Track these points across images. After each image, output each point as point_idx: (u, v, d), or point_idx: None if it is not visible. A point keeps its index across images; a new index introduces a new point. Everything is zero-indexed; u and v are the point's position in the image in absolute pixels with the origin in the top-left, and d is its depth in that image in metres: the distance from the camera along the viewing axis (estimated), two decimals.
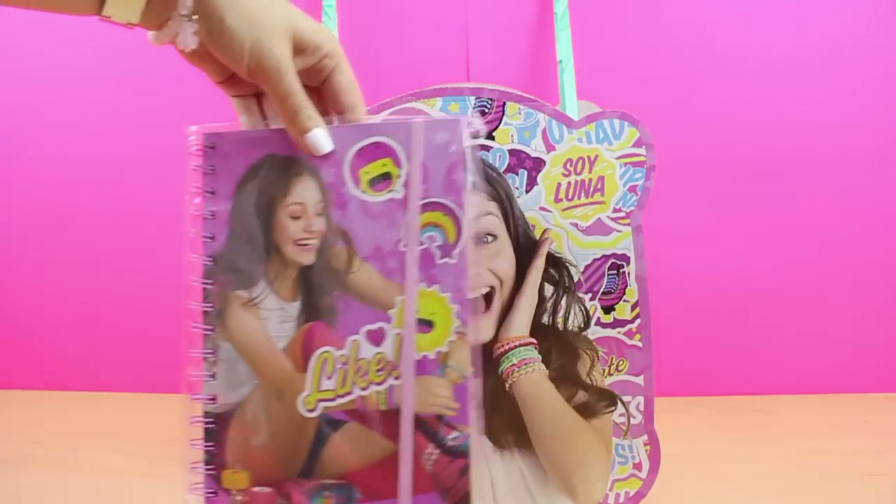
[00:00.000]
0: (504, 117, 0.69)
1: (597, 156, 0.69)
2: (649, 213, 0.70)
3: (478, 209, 0.55)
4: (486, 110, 0.69)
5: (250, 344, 0.52)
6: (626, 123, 0.69)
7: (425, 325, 0.50)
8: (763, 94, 0.97)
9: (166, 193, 0.97)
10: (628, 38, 0.96)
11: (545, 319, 0.58)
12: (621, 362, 0.70)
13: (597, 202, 0.69)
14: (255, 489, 0.52)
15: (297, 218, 0.52)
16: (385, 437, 0.51)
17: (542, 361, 0.53)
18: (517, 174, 0.69)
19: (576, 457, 0.49)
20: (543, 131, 0.69)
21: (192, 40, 0.45)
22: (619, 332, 0.70)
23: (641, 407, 0.70)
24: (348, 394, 0.51)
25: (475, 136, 0.52)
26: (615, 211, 0.69)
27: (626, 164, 0.69)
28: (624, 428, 0.66)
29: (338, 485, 0.51)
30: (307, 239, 0.52)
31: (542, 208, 0.69)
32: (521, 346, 0.53)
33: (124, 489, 0.75)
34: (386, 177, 0.52)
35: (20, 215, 1.00)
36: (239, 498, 0.52)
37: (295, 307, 0.52)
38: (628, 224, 0.69)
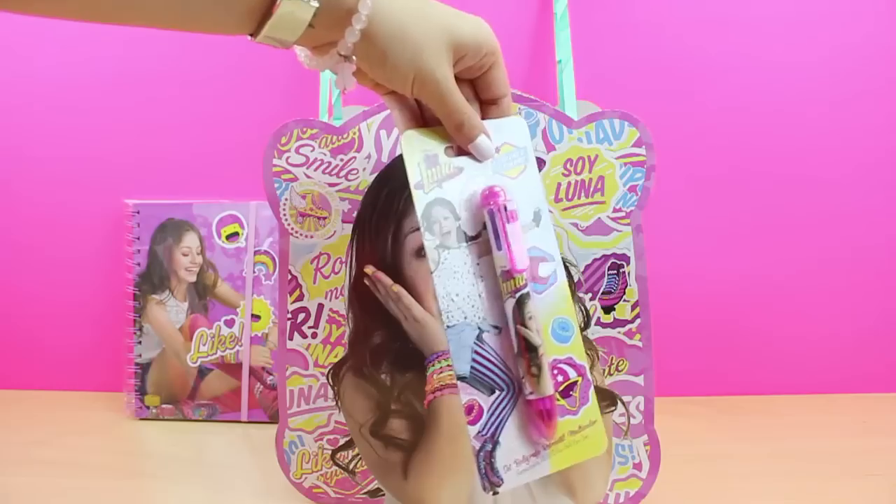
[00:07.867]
0: None
1: (597, 156, 0.69)
2: (649, 213, 0.70)
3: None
4: None
5: (160, 326, 0.93)
6: (626, 123, 0.68)
7: (255, 317, 0.93)
8: (763, 94, 0.97)
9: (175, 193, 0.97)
10: (628, 38, 0.96)
11: None
12: (621, 362, 0.70)
13: (597, 202, 0.69)
14: (164, 406, 0.93)
15: (186, 255, 0.92)
16: (234, 378, 0.92)
17: None
18: None
19: None
20: (543, 131, 0.69)
21: (350, 81, 0.46)
22: (619, 332, 0.70)
23: (641, 407, 0.70)
24: (214, 354, 0.93)
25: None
26: (615, 211, 0.69)
27: (626, 163, 0.69)
28: (624, 428, 0.66)
29: (208, 403, 0.93)
30: (192, 267, 0.92)
31: None
32: None
33: (124, 489, 0.74)
34: (236, 234, 0.92)
35: (19, 216, 1.00)
36: (154, 410, 0.94)
37: (185, 305, 0.93)
38: (628, 224, 0.69)
